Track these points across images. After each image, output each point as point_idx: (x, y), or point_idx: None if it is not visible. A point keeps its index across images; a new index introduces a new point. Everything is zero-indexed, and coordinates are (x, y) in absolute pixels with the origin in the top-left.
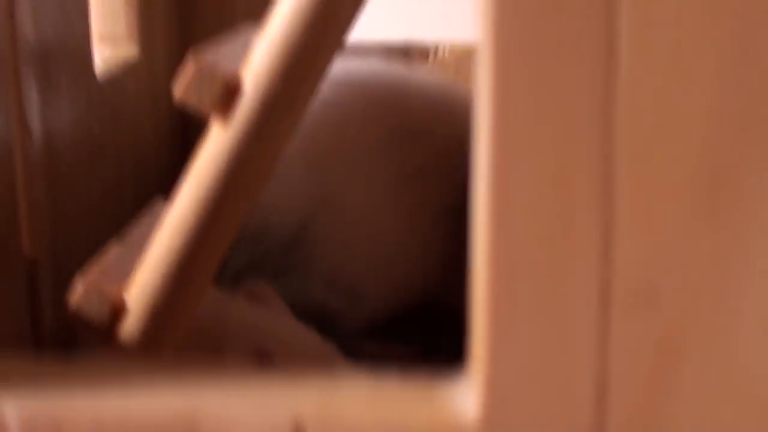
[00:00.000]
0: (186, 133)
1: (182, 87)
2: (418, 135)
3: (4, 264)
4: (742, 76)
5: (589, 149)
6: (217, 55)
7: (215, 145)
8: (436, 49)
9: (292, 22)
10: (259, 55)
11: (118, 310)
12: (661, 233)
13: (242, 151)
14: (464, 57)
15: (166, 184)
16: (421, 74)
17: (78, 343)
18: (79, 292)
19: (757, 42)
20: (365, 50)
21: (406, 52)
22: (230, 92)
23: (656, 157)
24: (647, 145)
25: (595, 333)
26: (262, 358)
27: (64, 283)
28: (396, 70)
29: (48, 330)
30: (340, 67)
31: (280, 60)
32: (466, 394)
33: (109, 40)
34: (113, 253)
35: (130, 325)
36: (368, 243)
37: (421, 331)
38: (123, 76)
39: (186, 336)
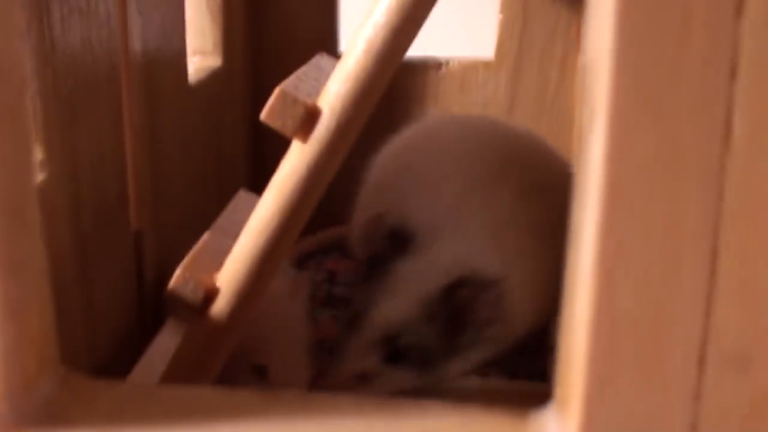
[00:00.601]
0: (259, 132)
1: (268, 112)
2: (550, 191)
3: (116, 233)
4: None
5: (698, 217)
6: (297, 85)
7: (296, 160)
8: (445, 63)
9: (364, 59)
10: (333, 87)
11: (209, 294)
12: (759, 303)
13: (318, 165)
14: (469, 70)
15: (241, 174)
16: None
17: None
18: (177, 279)
19: None
20: None
21: (420, 66)
22: (309, 117)
23: (761, 230)
24: (753, 219)
25: (691, 391)
26: (260, 373)
27: (163, 251)
28: (514, 126)
29: (150, 290)
30: (466, 124)
31: (352, 91)
32: None
33: (199, 53)
34: (205, 242)
35: (219, 306)
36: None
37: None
38: (209, 82)
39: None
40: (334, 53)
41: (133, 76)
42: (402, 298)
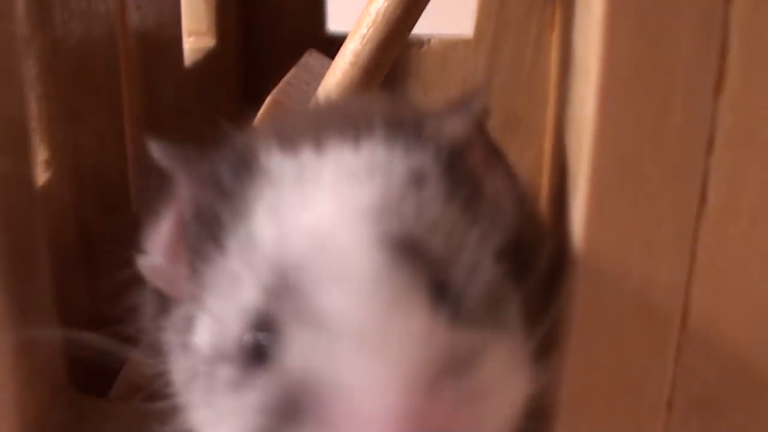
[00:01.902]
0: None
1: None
2: None
3: (120, 221)
4: None
5: (671, 277)
6: (288, 91)
7: None
8: (427, 41)
9: (350, 70)
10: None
11: None
12: (727, 354)
13: None
14: (450, 48)
15: None
16: None
17: None
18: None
19: None
20: None
21: None
22: None
23: (728, 290)
24: (722, 279)
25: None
26: None
27: None
28: None
29: None
30: None
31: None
32: None
33: (195, 34)
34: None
35: None
36: None
37: None
38: (205, 62)
39: None
40: (322, 32)
41: (132, 67)
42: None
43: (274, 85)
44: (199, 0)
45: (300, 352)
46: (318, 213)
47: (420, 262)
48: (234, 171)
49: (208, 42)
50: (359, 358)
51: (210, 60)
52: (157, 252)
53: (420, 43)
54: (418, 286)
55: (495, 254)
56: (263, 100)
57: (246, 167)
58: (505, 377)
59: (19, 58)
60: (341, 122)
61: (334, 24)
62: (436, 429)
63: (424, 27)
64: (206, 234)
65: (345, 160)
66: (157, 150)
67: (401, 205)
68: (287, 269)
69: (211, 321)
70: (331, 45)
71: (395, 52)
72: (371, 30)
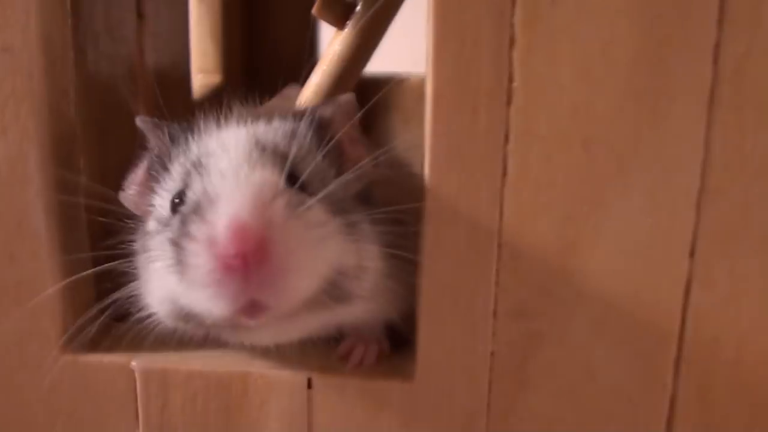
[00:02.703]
0: None
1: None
2: None
3: None
4: None
5: (488, 221)
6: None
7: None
8: (407, 78)
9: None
10: None
11: None
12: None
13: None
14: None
15: None
16: None
17: None
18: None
19: None
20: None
21: (385, 81)
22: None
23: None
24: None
25: (490, 330)
26: None
27: None
28: None
29: None
30: None
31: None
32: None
33: (203, 72)
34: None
35: None
36: None
37: None
38: (211, 97)
39: None
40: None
41: (149, 99)
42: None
43: None
44: (207, 42)
45: (194, 193)
46: (225, 138)
47: (279, 160)
48: (183, 130)
49: (215, 79)
50: (227, 187)
51: (216, 95)
52: (132, 186)
53: (400, 80)
54: (272, 165)
55: (351, 193)
56: None
57: (192, 129)
58: (319, 233)
59: (69, 89)
60: (263, 112)
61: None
62: (263, 233)
63: (404, 66)
64: (160, 165)
65: (251, 128)
66: (138, 119)
67: (275, 137)
68: (200, 158)
69: (155, 211)
70: None
71: (350, 84)
72: (329, 67)
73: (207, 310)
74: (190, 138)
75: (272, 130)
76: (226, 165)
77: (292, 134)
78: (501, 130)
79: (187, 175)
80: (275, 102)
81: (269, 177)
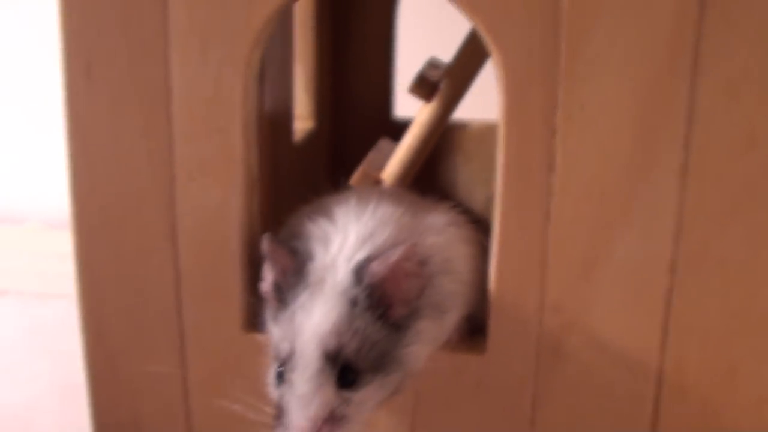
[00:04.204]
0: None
1: (356, 179)
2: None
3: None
4: None
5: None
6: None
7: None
8: (468, 123)
9: (411, 148)
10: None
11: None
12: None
13: None
14: (485, 129)
15: None
16: None
17: None
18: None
19: None
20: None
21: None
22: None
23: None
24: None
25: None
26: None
27: None
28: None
29: None
30: None
31: (402, 168)
32: None
33: (299, 117)
34: (371, 156)
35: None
36: None
37: None
38: (307, 139)
39: None
40: (390, 116)
41: (265, 141)
42: (321, 302)
43: (355, 157)
44: (301, 91)
45: (281, 394)
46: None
47: (338, 361)
48: (292, 272)
49: (309, 124)
50: (296, 407)
51: (310, 138)
52: (264, 283)
53: (463, 125)
54: (331, 375)
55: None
56: (348, 168)
57: (298, 271)
58: (361, 415)
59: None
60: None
61: (399, 111)
62: None
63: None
64: (278, 292)
65: (319, 326)
66: (264, 242)
67: (336, 340)
68: (293, 346)
69: (273, 344)
70: (397, 128)
71: (433, 141)
72: (418, 130)
73: None
74: (293, 291)
75: (336, 333)
76: (299, 384)
77: (349, 318)
78: (546, 185)
79: (285, 357)
80: (372, 155)
81: (326, 393)
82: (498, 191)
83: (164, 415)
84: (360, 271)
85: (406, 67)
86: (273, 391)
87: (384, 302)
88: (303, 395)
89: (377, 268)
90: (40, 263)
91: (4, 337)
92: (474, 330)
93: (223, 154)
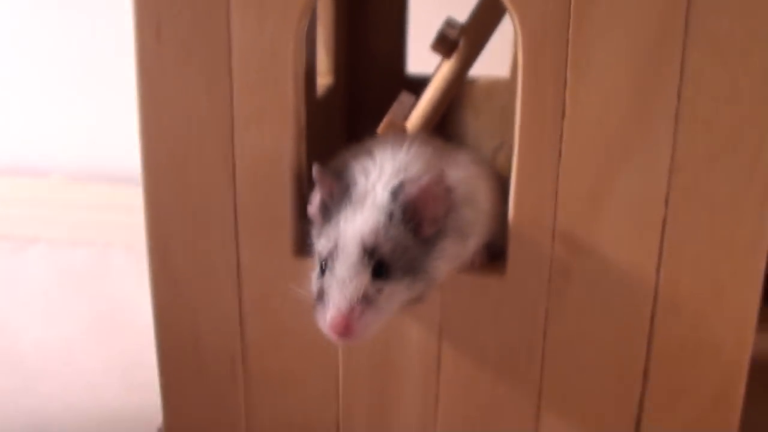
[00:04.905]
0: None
1: (383, 128)
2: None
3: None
4: None
5: None
6: (396, 114)
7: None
8: (477, 79)
9: (433, 101)
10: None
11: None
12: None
13: None
14: (492, 85)
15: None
16: None
17: None
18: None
19: None
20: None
21: None
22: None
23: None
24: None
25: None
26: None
27: None
28: None
29: None
30: None
31: (424, 119)
32: None
33: (319, 74)
34: (395, 108)
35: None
36: None
37: None
38: (326, 94)
39: None
40: (403, 72)
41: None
42: (362, 212)
43: (371, 111)
44: (320, 48)
45: (323, 281)
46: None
47: (374, 256)
48: (338, 194)
49: (328, 80)
50: (336, 292)
51: (328, 93)
52: (312, 207)
53: (471, 81)
54: (365, 266)
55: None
56: (364, 122)
57: (342, 193)
58: (390, 305)
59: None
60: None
61: (412, 67)
62: (352, 322)
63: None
64: (325, 211)
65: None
66: (313, 170)
67: (373, 239)
68: (335, 247)
69: (318, 249)
70: (410, 84)
71: (451, 95)
72: (439, 83)
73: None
74: (337, 208)
75: (374, 234)
76: (339, 271)
77: (385, 226)
78: (558, 129)
79: (328, 254)
80: (395, 107)
81: (362, 278)
82: (516, 134)
83: (221, 334)
84: (396, 192)
85: (419, 26)
86: (315, 283)
87: (415, 219)
88: (342, 278)
89: (411, 188)
90: (68, 213)
91: (39, 280)
92: (494, 256)
93: (277, 104)
